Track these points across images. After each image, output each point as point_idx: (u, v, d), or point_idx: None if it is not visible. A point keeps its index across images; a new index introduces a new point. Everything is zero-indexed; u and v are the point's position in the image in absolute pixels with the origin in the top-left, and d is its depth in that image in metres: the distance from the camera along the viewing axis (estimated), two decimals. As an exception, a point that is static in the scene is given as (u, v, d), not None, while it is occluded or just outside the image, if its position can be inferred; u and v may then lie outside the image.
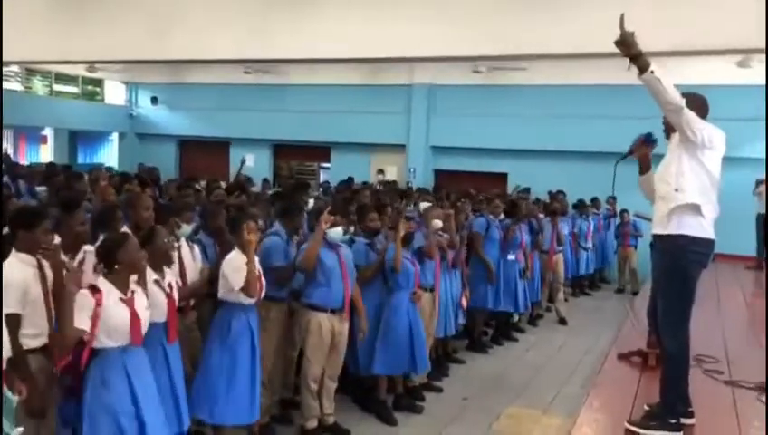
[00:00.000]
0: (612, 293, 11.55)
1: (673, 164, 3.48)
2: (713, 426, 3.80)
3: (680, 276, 3.50)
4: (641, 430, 3.66)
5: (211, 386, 4.20)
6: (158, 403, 3.51)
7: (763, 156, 9.06)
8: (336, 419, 5.15)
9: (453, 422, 5.51)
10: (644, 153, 3.80)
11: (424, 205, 7.39)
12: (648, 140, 3.74)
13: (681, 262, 3.47)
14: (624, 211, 11.27)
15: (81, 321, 3.22)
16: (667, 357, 3.71)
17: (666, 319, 3.62)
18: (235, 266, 4.19)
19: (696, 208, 3.41)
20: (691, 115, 3.31)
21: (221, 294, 4.30)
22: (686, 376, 3.64)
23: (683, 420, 3.62)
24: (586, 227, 11.01)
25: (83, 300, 3.24)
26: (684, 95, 3.33)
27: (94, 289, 3.30)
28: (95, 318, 3.23)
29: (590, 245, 11.05)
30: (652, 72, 3.16)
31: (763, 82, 10.89)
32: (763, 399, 4.09)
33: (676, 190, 3.43)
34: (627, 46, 3.17)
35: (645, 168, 3.83)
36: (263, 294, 4.41)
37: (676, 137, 3.52)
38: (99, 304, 3.25)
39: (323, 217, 4.79)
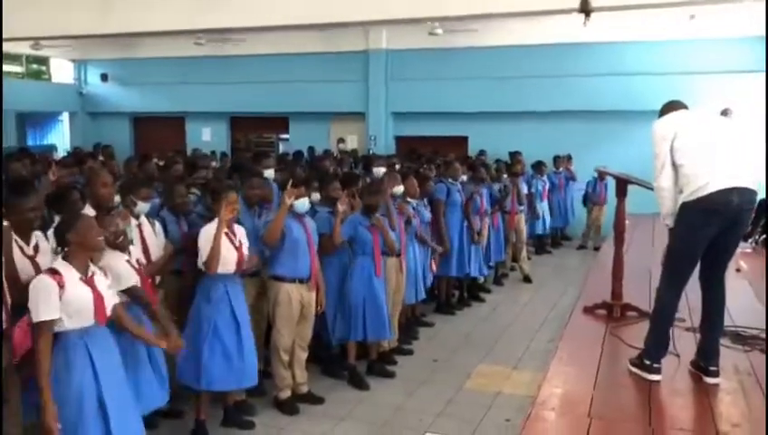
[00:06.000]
0: (574, 250, 11.67)
1: None
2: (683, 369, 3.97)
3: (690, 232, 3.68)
4: (629, 364, 3.95)
5: (196, 354, 4.28)
6: (122, 384, 3.42)
7: (719, 109, 9.18)
8: (309, 387, 5.17)
9: (425, 384, 5.57)
10: None
11: (378, 171, 7.34)
12: None
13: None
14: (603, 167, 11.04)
15: (52, 308, 3.12)
16: (657, 304, 3.88)
17: (668, 267, 3.81)
18: (207, 238, 4.27)
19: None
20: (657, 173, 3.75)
21: (200, 263, 4.34)
22: (667, 326, 3.83)
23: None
24: (541, 186, 11.06)
25: (46, 286, 3.13)
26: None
27: (53, 272, 3.20)
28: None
29: (543, 205, 11.05)
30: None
31: (712, 36, 11.12)
32: (731, 344, 4.26)
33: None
34: None
35: None
36: (247, 266, 4.49)
37: None
38: (61, 286, 3.15)
39: (288, 191, 4.76)
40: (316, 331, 5.22)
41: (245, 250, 4.46)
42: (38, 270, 3.41)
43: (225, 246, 4.32)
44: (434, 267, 6.89)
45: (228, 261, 4.34)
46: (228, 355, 4.33)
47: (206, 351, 4.29)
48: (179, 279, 4.78)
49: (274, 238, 4.74)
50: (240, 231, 4.53)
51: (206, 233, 4.29)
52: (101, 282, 3.36)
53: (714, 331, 3.84)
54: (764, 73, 8.32)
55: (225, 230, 4.35)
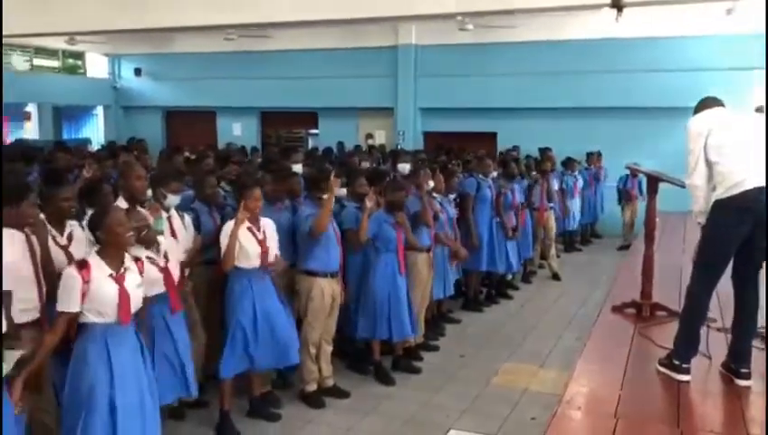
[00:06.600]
0: (604, 247, 11.48)
1: None
2: (713, 370, 3.89)
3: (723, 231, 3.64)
4: (657, 364, 3.89)
5: (221, 346, 4.42)
6: (136, 383, 3.34)
7: (753, 106, 8.99)
8: (334, 381, 5.20)
9: (451, 380, 5.57)
10: None
11: (403, 167, 7.33)
12: None
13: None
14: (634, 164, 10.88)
15: (72, 301, 3.16)
16: (688, 302, 3.82)
17: (700, 266, 3.77)
18: (226, 235, 4.35)
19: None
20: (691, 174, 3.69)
21: None
22: (697, 325, 3.75)
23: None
24: (572, 182, 10.94)
25: (71, 279, 3.17)
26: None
27: (81, 265, 3.22)
28: (83, 295, 3.17)
29: (575, 202, 10.94)
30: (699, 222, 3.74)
31: (749, 31, 10.87)
32: (762, 346, 4.16)
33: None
34: None
35: None
36: (274, 266, 4.53)
37: None
38: (85, 280, 3.17)
39: (332, 181, 4.82)
40: (339, 325, 5.24)
41: (272, 245, 4.50)
42: (71, 259, 3.47)
43: (249, 240, 4.37)
44: (452, 265, 6.83)
45: (251, 256, 4.38)
46: (248, 347, 4.40)
47: (227, 343, 4.39)
48: (210, 271, 4.81)
49: (324, 228, 4.79)
50: (266, 225, 4.55)
51: (226, 230, 4.36)
52: (132, 280, 3.34)
53: (746, 332, 3.77)
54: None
55: (249, 225, 4.39)
